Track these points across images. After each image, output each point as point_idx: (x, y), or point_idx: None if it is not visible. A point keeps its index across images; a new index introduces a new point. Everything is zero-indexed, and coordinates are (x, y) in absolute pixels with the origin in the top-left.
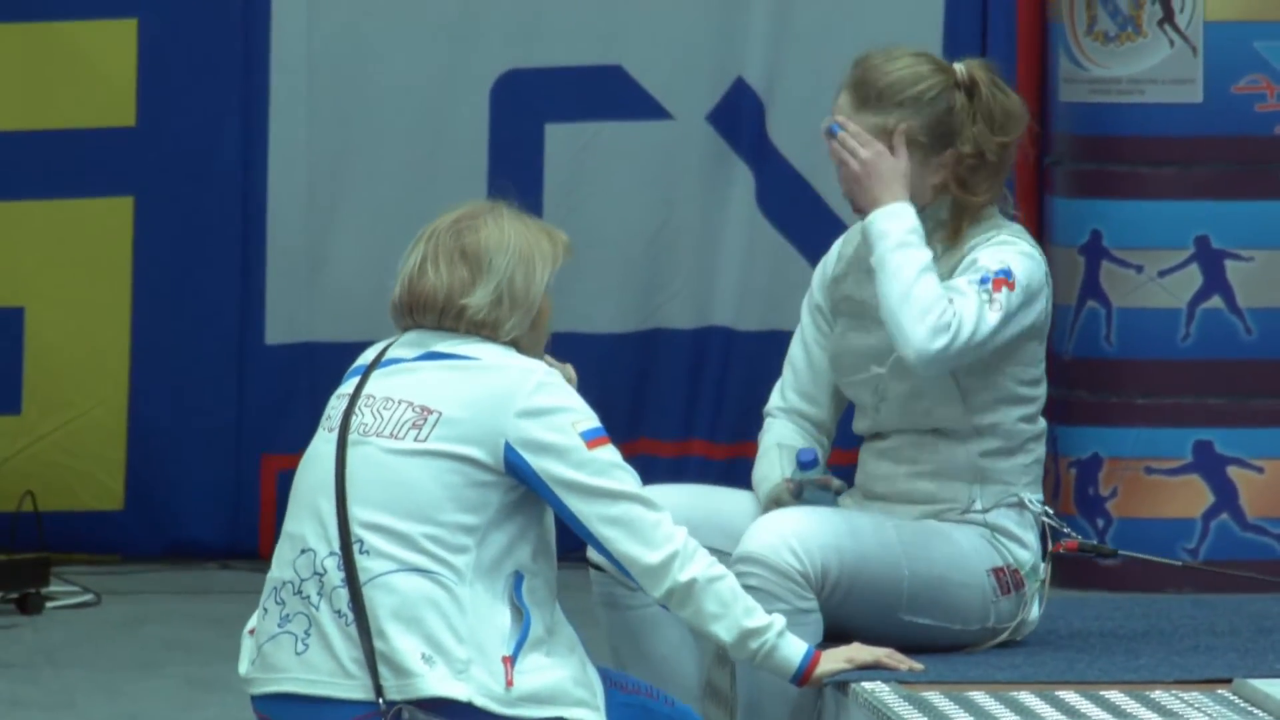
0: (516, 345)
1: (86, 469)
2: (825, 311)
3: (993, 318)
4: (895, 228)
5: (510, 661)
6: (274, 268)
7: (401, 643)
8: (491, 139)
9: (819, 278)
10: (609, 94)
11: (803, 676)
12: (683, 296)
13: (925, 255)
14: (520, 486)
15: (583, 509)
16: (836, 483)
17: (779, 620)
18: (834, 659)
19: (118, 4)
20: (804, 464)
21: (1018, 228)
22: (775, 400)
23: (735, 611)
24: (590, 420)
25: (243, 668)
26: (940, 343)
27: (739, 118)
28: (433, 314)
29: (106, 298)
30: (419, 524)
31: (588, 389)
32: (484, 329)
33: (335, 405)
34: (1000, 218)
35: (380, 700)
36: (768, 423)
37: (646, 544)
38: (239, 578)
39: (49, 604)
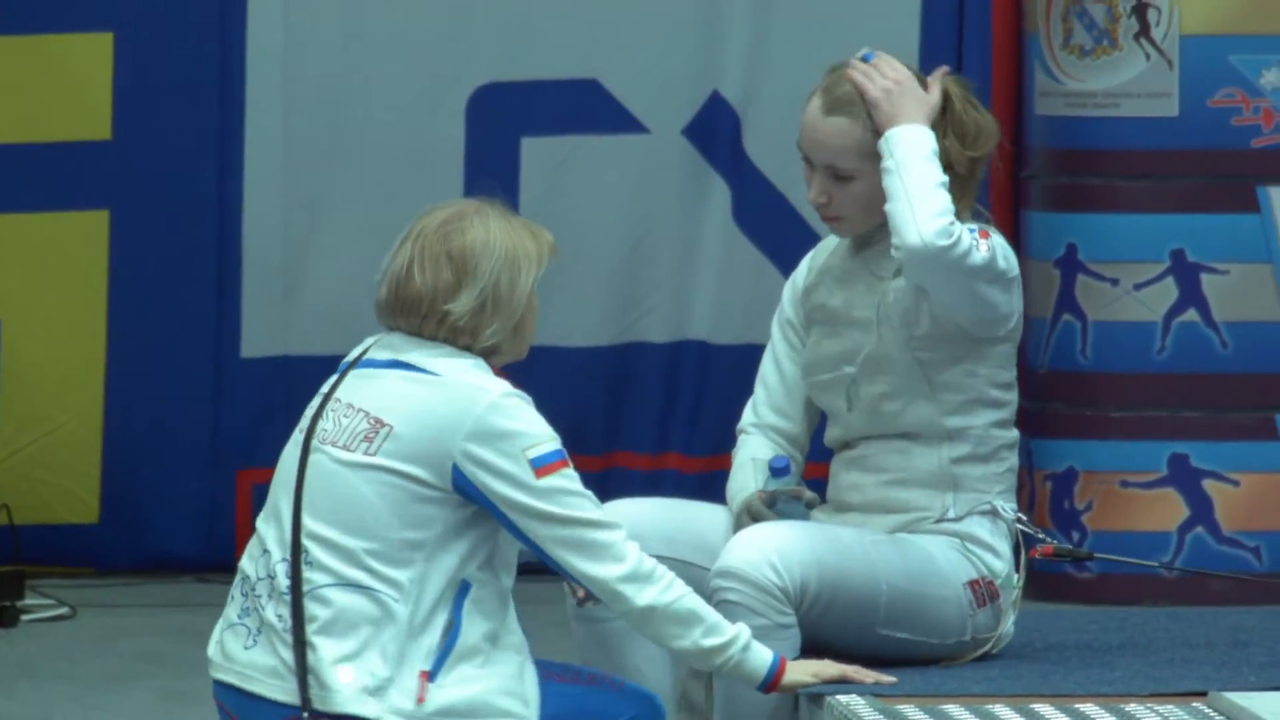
0: (496, 350)
1: (62, 482)
2: (797, 325)
3: (984, 252)
4: (922, 141)
5: (428, 676)
6: (250, 281)
7: (328, 655)
8: (468, 152)
9: (789, 293)
10: (585, 108)
11: (770, 684)
12: (659, 310)
13: (940, 174)
14: (471, 504)
15: (535, 531)
16: (809, 494)
17: (744, 633)
18: (802, 670)
19: (94, 17)
20: (776, 470)
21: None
22: (748, 416)
23: (695, 634)
24: (543, 445)
25: (209, 647)
26: (945, 242)
27: (715, 132)
28: (415, 318)
29: (82, 311)
30: (362, 539)
31: (564, 402)
32: (463, 335)
33: (312, 404)
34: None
35: (304, 713)
36: (741, 439)
37: (600, 565)
38: (215, 591)
39: (24, 617)
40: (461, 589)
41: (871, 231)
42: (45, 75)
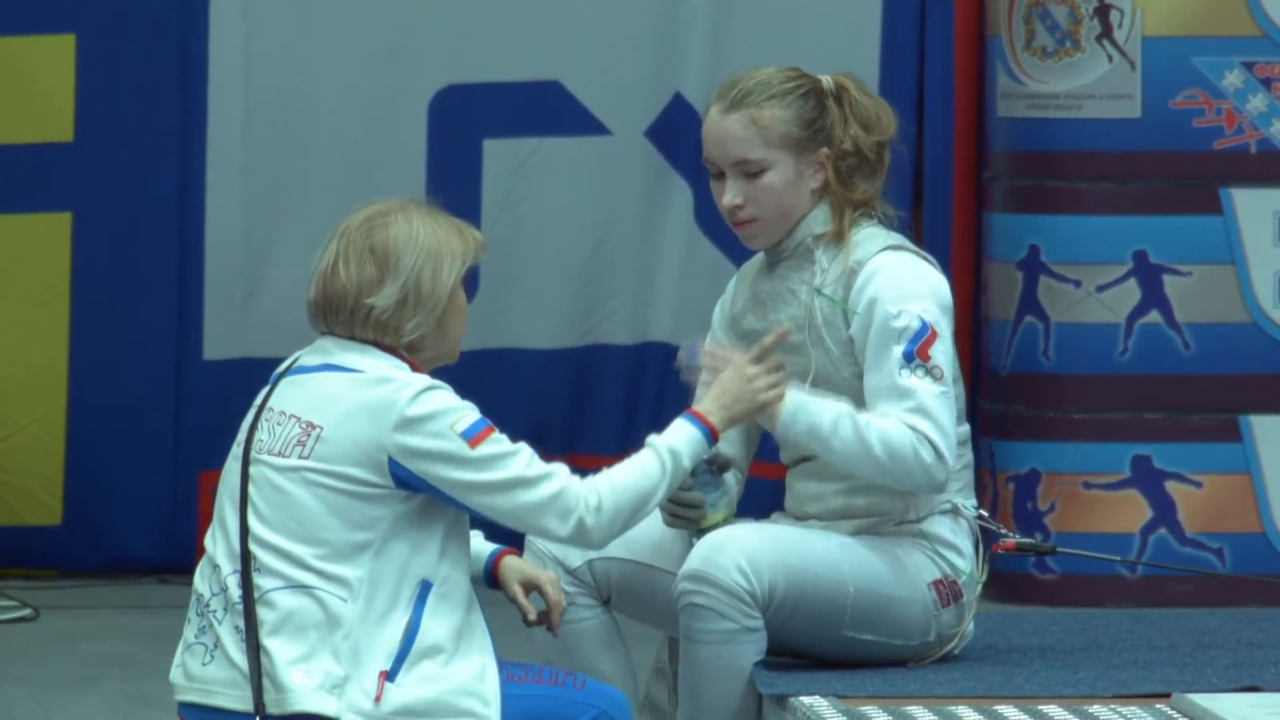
0: (420, 347)
1: (24, 485)
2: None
3: (937, 390)
4: (807, 423)
5: (386, 675)
6: (212, 283)
7: (281, 658)
8: (430, 154)
9: (719, 318)
10: (547, 109)
11: (712, 436)
12: (621, 312)
13: (848, 419)
14: (416, 496)
15: (484, 504)
16: (722, 456)
17: (662, 454)
18: (717, 408)
19: (56, 20)
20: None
21: (897, 235)
22: None
23: (652, 499)
24: (467, 417)
25: (172, 674)
26: (941, 474)
27: (677, 133)
28: (343, 314)
29: (44, 313)
30: (307, 544)
31: (527, 404)
32: (387, 330)
33: (247, 417)
34: (880, 226)
35: (257, 717)
36: None
37: (553, 520)
38: (176, 592)
39: None
40: (423, 589)
41: (781, 248)
42: (7, 77)
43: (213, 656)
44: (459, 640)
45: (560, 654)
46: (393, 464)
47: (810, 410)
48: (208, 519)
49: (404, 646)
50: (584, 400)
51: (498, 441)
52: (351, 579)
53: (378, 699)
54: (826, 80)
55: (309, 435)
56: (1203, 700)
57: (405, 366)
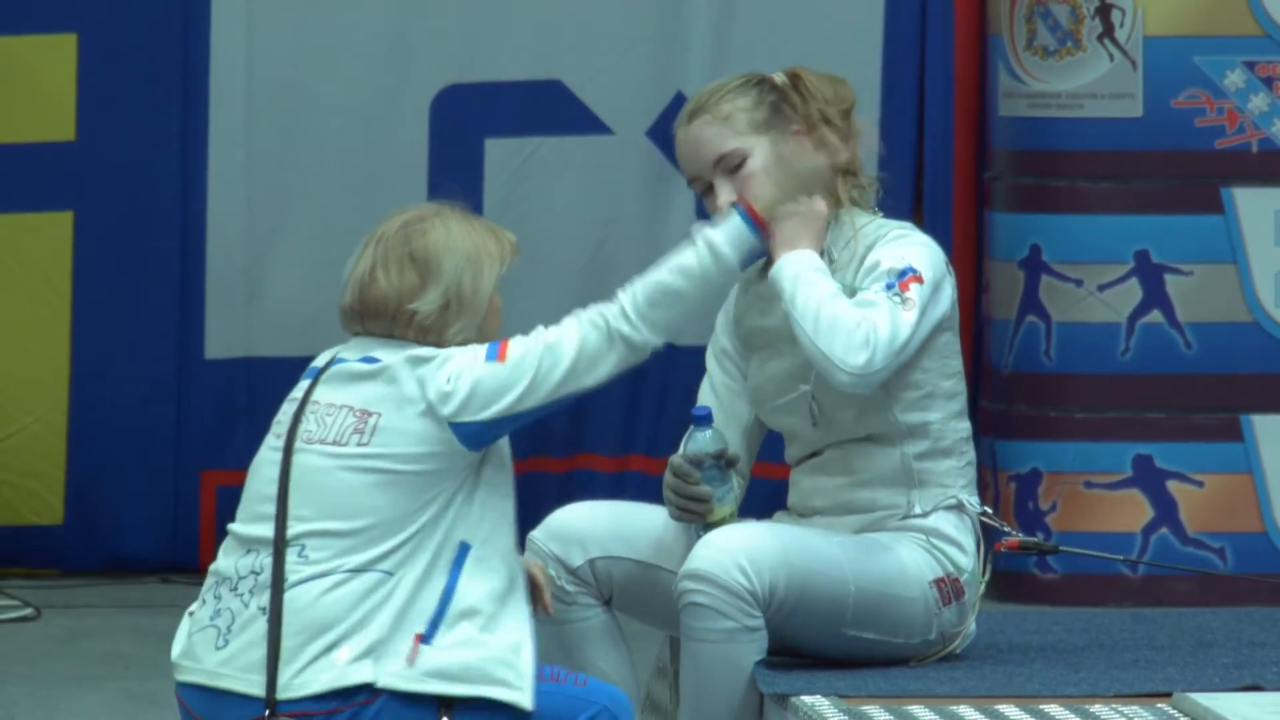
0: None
1: (26, 484)
2: (733, 353)
3: (908, 317)
4: (794, 270)
5: (421, 638)
6: (213, 282)
7: (315, 643)
8: (431, 154)
9: (723, 322)
10: (549, 109)
11: (760, 226)
12: None
13: (831, 285)
14: (472, 466)
15: (545, 391)
16: (731, 453)
17: (698, 248)
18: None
19: (58, 19)
20: (699, 419)
21: (905, 222)
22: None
23: (676, 284)
24: (481, 345)
25: (174, 651)
26: (862, 358)
27: None
28: (384, 320)
29: (46, 312)
30: (355, 528)
31: None
32: (430, 334)
33: (285, 409)
34: (882, 216)
35: (267, 711)
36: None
37: (605, 351)
38: (179, 592)
39: None
40: (461, 550)
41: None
42: (9, 77)
43: (227, 640)
44: (499, 604)
45: (562, 653)
46: (454, 427)
47: (808, 261)
48: (210, 517)
49: (439, 609)
50: (584, 401)
51: (517, 342)
52: (396, 554)
53: (410, 660)
54: (778, 76)
55: (365, 422)
56: (1204, 700)
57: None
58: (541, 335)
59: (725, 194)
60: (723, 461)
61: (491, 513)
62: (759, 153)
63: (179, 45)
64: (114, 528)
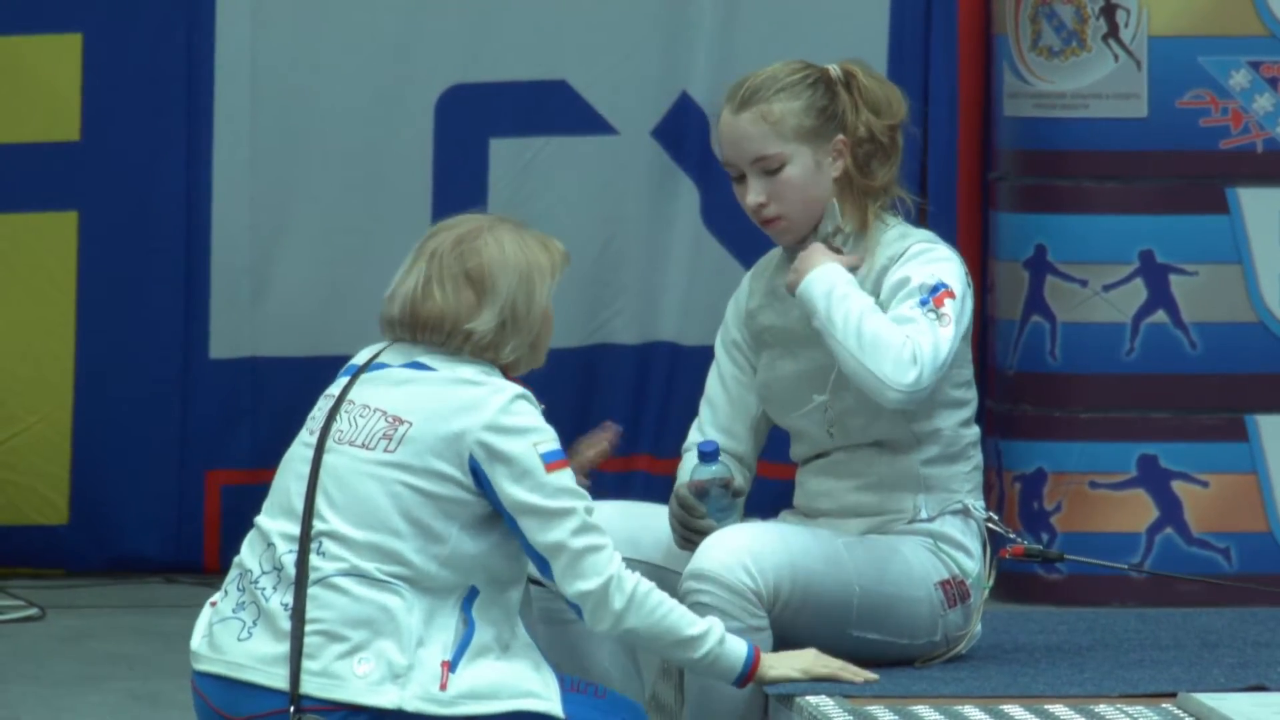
0: (515, 366)
1: (30, 484)
2: (744, 346)
3: (947, 332)
4: (827, 286)
5: (449, 666)
6: (218, 282)
7: (336, 644)
8: (436, 154)
9: (733, 313)
10: (554, 109)
11: (745, 678)
12: (628, 312)
13: (866, 300)
14: (487, 500)
15: (531, 527)
16: (737, 482)
17: (716, 629)
18: (787, 665)
19: (62, 19)
20: (705, 455)
21: (926, 232)
22: (694, 436)
23: (675, 631)
24: (550, 441)
25: (194, 641)
26: (912, 376)
27: (684, 133)
28: (439, 335)
29: (50, 312)
30: (378, 534)
31: None
32: (487, 352)
33: (321, 406)
34: (906, 223)
35: (292, 707)
36: (686, 457)
37: (587, 573)
38: (183, 592)
39: None
40: (470, 593)
41: (806, 246)
42: (13, 77)
43: (251, 633)
44: (506, 647)
45: (567, 655)
46: (473, 460)
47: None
48: (215, 518)
49: (463, 641)
50: (590, 399)
51: (571, 477)
52: (415, 576)
53: (443, 686)
54: (834, 69)
55: (395, 430)
56: (1209, 700)
57: (497, 371)
58: (583, 511)
59: (755, 194)
60: (729, 491)
61: (513, 564)
62: (798, 161)
63: (184, 45)
64: (119, 528)
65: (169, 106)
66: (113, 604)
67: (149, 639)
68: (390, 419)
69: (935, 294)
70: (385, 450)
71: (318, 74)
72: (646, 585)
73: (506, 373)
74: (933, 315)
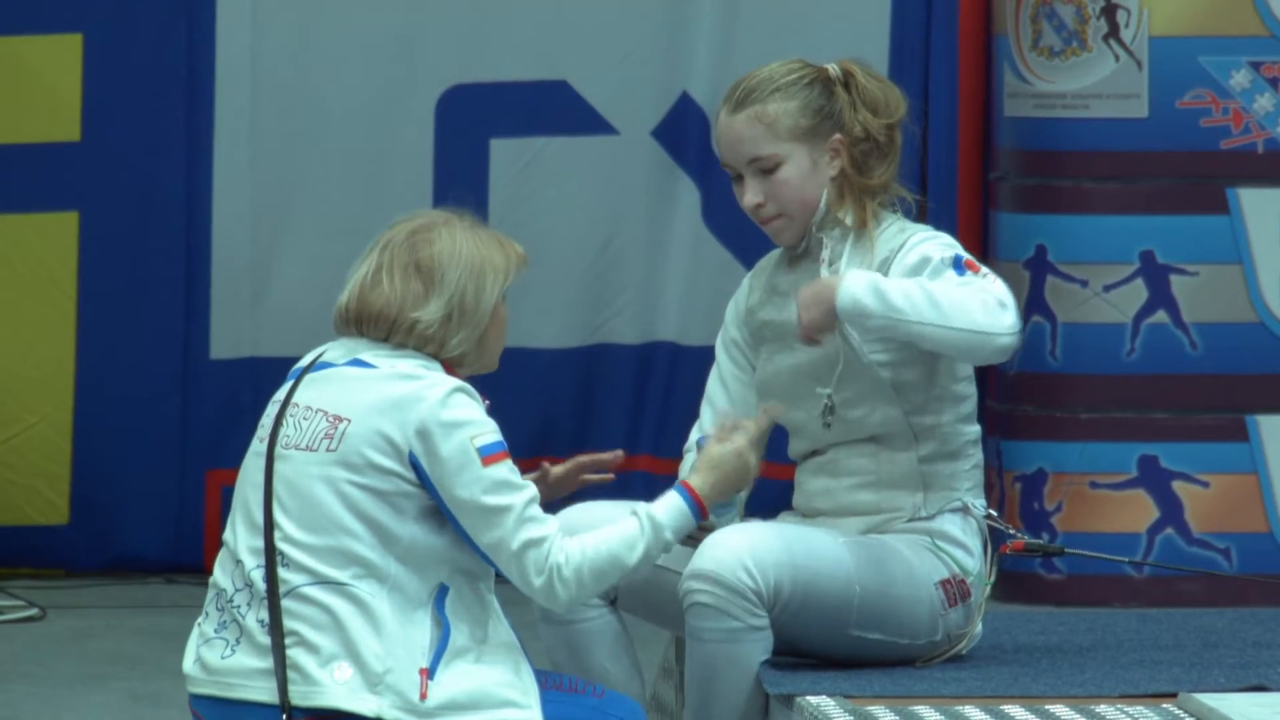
0: (461, 362)
1: (31, 484)
2: (743, 345)
3: (1000, 283)
4: (864, 286)
5: (427, 673)
6: (219, 283)
7: (312, 653)
8: (437, 154)
9: (733, 313)
10: (554, 109)
11: (701, 510)
12: (628, 312)
13: (908, 280)
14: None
15: (472, 526)
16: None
17: (643, 520)
18: (706, 477)
19: (63, 19)
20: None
21: (925, 225)
22: (695, 437)
23: (620, 554)
24: (489, 434)
25: (186, 665)
26: (1008, 319)
27: (684, 133)
28: (383, 326)
29: (51, 312)
30: (334, 537)
31: (534, 404)
32: (430, 344)
33: (269, 412)
34: (905, 220)
35: (284, 715)
36: (687, 458)
37: (530, 568)
38: (183, 592)
39: None
40: (440, 592)
41: (804, 245)
42: (14, 77)
43: (234, 650)
44: (484, 641)
45: (567, 654)
46: (412, 455)
47: (863, 274)
48: (215, 518)
49: (440, 645)
50: (590, 399)
51: (510, 469)
52: (379, 575)
53: (423, 695)
54: (832, 68)
55: (335, 428)
56: (1209, 700)
57: (438, 365)
58: (521, 505)
59: (752, 194)
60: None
61: (464, 558)
62: (794, 161)
63: (184, 46)
64: (119, 528)
65: (169, 107)
66: (113, 604)
67: (149, 639)
68: (331, 418)
69: (961, 261)
70: (328, 450)
71: (318, 74)
72: (580, 556)
73: (452, 369)
74: (973, 275)
